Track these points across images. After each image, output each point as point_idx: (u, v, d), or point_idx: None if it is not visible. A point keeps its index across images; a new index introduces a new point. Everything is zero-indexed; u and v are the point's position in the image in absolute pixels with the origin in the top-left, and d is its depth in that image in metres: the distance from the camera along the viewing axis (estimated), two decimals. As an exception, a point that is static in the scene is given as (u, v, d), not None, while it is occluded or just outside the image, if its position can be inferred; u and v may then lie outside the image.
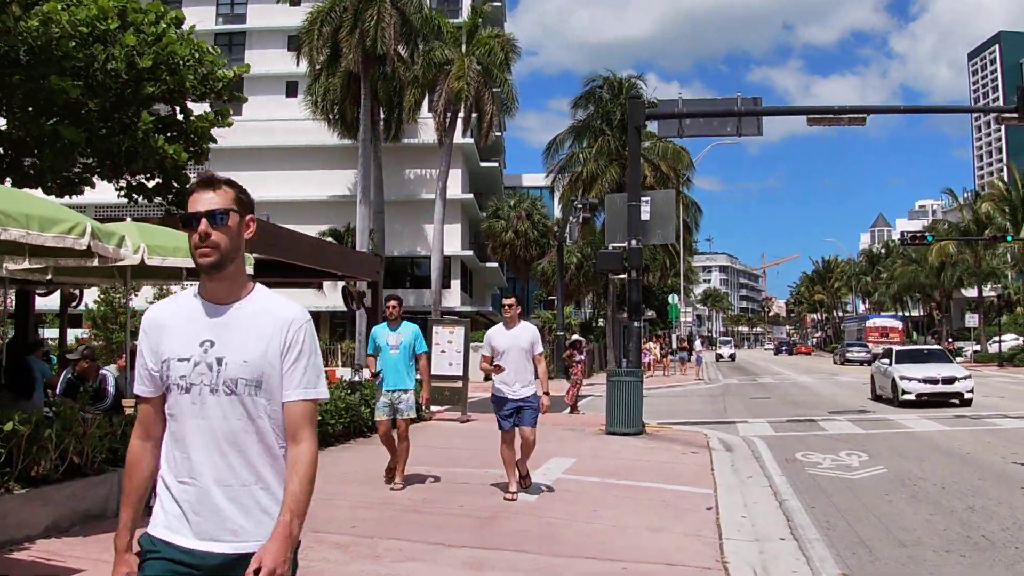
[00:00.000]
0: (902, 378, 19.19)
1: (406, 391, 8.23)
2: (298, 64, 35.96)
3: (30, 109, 10.27)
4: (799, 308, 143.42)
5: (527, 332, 7.78)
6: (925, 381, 18.79)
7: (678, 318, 53.70)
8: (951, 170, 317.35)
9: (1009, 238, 38.66)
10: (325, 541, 5.96)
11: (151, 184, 11.85)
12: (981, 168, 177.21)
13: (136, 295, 17.12)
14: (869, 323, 64.17)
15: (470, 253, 45.00)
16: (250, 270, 8.35)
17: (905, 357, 20.79)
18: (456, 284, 43.49)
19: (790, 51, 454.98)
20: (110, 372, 9.65)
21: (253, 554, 2.11)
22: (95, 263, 6.78)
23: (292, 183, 42.15)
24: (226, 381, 2.20)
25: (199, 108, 12.22)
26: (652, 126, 25.64)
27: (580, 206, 32.56)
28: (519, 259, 41.92)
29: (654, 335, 51.43)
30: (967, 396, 18.68)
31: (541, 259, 42.05)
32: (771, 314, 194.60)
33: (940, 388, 18.73)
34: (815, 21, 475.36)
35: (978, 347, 50.19)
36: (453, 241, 41.27)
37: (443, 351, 15.20)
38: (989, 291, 57.79)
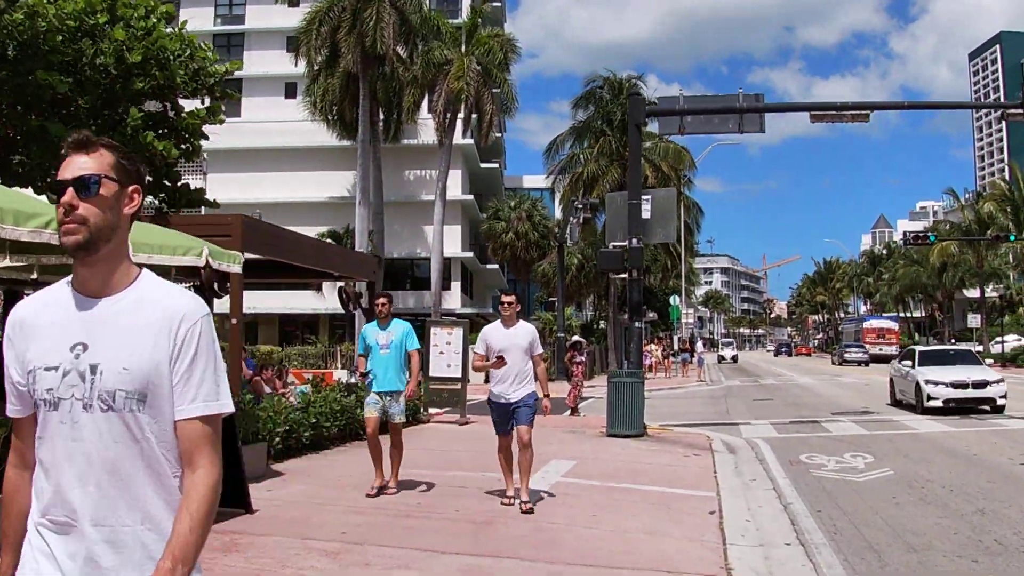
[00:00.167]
0: (928, 382, 17.19)
1: (397, 393, 7.87)
2: (296, 64, 35.90)
3: (17, 106, 10.09)
4: (800, 310, 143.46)
5: (526, 331, 7.45)
6: (954, 385, 16.82)
7: (679, 320, 53.49)
8: (952, 170, 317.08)
9: (1012, 238, 38.36)
10: (313, 548, 5.76)
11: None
12: (982, 168, 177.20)
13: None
14: (866, 325, 64.75)
15: (470, 255, 44.85)
16: (238, 269, 8.13)
17: (929, 358, 18.68)
18: (456, 286, 43.33)
19: (790, 52, 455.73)
20: None
21: None
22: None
23: (291, 184, 42.02)
24: (101, 394, 1.78)
25: (190, 105, 12.04)
26: (653, 126, 25.50)
27: (580, 206, 32.29)
28: (519, 261, 41.71)
29: (656, 337, 51.23)
30: (1000, 402, 16.81)
31: (542, 261, 41.83)
32: (772, 316, 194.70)
33: (971, 393, 16.79)
34: (815, 22, 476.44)
35: (980, 348, 49.97)
36: (453, 243, 41.11)
37: (441, 352, 14.98)
38: (991, 292, 57.54)
